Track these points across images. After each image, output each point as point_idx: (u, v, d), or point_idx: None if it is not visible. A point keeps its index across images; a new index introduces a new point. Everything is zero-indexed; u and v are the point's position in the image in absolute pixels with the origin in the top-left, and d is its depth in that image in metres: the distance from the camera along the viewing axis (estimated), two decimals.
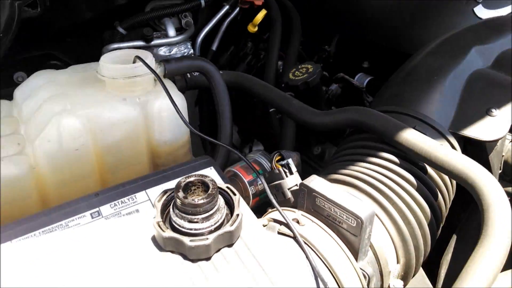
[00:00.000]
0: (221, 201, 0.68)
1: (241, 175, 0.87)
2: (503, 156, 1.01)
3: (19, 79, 1.46)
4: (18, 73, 1.47)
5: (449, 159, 0.77)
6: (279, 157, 0.81)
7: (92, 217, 0.71)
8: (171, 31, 1.76)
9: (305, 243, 0.70)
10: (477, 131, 0.93)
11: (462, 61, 1.02)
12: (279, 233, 0.71)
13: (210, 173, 0.80)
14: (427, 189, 0.85)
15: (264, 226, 0.74)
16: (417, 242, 0.80)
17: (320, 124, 0.96)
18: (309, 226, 0.72)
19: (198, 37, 1.90)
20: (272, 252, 0.67)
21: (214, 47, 1.95)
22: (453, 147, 0.93)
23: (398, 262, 0.79)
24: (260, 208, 0.87)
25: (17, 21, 1.29)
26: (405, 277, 0.82)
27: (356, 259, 0.70)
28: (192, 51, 1.79)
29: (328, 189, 0.71)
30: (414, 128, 0.92)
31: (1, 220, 0.82)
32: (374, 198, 0.80)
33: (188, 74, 1.11)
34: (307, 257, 0.67)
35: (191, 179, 0.66)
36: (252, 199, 0.86)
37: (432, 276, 1.28)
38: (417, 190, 0.83)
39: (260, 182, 0.85)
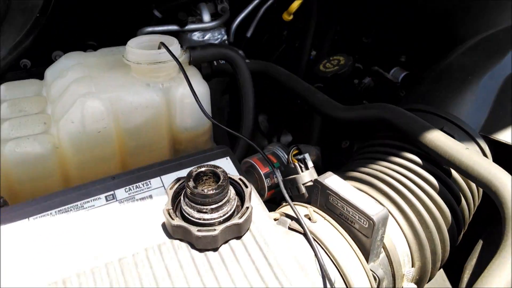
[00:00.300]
0: (231, 192, 0.67)
1: (257, 166, 0.87)
2: None
3: (57, 58, 1.50)
4: (56, 52, 1.51)
5: (473, 164, 0.73)
6: (296, 151, 0.80)
7: (107, 200, 0.72)
8: (206, 16, 1.76)
9: (315, 240, 0.69)
10: (510, 135, 0.88)
11: (499, 61, 0.97)
12: (289, 228, 0.71)
13: (226, 163, 0.80)
14: (450, 193, 0.82)
15: (275, 220, 0.73)
16: (434, 246, 0.77)
17: (343, 119, 0.94)
18: (321, 223, 0.71)
19: (233, 23, 1.89)
20: (280, 247, 0.66)
21: (248, 34, 1.94)
22: (482, 151, 0.89)
23: (413, 266, 0.77)
24: (275, 200, 0.87)
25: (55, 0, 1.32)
26: (420, 281, 0.80)
27: (367, 260, 0.68)
28: (226, 37, 1.79)
29: (342, 187, 0.69)
30: (442, 129, 0.88)
31: (23, 197, 0.85)
32: (392, 198, 0.77)
33: (214, 62, 1.11)
34: (315, 254, 0.66)
35: (203, 169, 0.66)
36: (268, 191, 0.85)
37: (454, 279, 1.25)
38: (439, 193, 0.80)
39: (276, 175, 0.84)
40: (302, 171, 0.77)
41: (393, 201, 0.77)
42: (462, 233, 0.85)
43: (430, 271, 0.79)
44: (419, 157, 0.83)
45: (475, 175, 0.73)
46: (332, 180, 0.71)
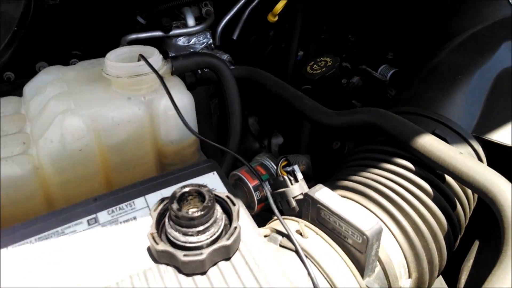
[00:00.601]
0: (218, 212, 0.64)
1: (246, 179, 0.84)
2: None
3: (41, 69, 1.46)
4: (40, 63, 1.47)
5: (468, 170, 0.71)
6: (285, 163, 0.77)
7: (89, 224, 0.69)
8: (191, 21, 1.73)
9: (307, 257, 0.66)
10: (503, 135, 0.86)
11: (490, 58, 0.94)
12: (280, 245, 0.68)
13: (213, 178, 0.77)
14: (445, 199, 0.79)
15: (266, 236, 0.71)
16: (431, 256, 0.75)
17: (331, 125, 0.92)
18: (313, 239, 0.68)
19: (219, 26, 1.86)
20: (271, 266, 0.63)
21: (234, 36, 1.91)
22: (476, 152, 0.87)
23: (409, 277, 0.74)
24: (266, 213, 0.84)
25: (33, 12, 1.29)
26: None
27: (362, 276, 0.66)
28: (211, 41, 1.76)
29: (333, 201, 0.67)
30: (433, 132, 0.86)
31: (5, 221, 0.82)
32: (385, 208, 0.75)
33: (199, 70, 1.08)
34: (308, 273, 0.64)
35: (187, 189, 0.63)
36: (258, 204, 0.82)
37: (451, 280, 1.23)
38: (433, 200, 0.78)
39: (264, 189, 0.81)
40: (291, 184, 0.74)
41: (387, 211, 0.75)
42: (458, 239, 0.83)
43: (428, 281, 0.76)
44: (412, 163, 0.81)
45: (471, 181, 0.71)
46: (322, 194, 0.68)
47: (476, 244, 1.16)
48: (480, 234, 1.15)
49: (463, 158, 0.73)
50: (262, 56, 1.91)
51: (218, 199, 0.68)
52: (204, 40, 1.75)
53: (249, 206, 0.86)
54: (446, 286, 1.14)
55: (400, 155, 0.82)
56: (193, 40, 1.72)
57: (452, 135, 0.87)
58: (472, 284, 1.14)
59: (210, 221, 0.62)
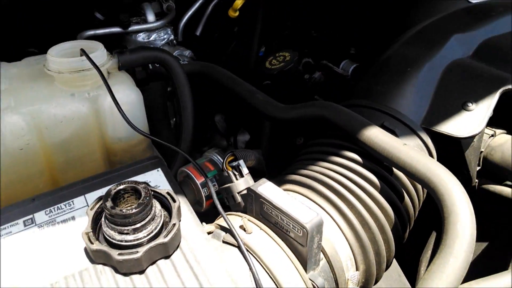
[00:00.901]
0: (157, 209, 0.63)
1: (193, 176, 0.82)
2: (481, 152, 0.95)
3: None
4: None
5: (411, 160, 0.71)
6: (231, 158, 0.76)
7: (25, 225, 0.67)
8: (150, 16, 1.70)
9: (250, 252, 0.65)
10: (451, 126, 0.87)
11: (439, 51, 0.95)
12: (224, 241, 0.67)
13: (157, 175, 0.75)
14: (392, 190, 0.79)
15: (210, 233, 0.69)
16: (378, 248, 0.75)
17: (283, 119, 0.91)
18: (256, 234, 0.67)
19: (181, 22, 1.83)
20: (212, 264, 0.62)
21: (198, 32, 1.89)
22: (425, 144, 0.88)
23: (357, 269, 0.74)
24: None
25: None
26: (366, 283, 0.77)
27: (306, 269, 0.65)
28: (172, 37, 1.74)
29: (275, 195, 0.66)
30: (382, 124, 0.86)
31: None
32: (331, 201, 0.75)
33: (150, 65, 1.06)
34: (250, 268, 0.63)
35: (122, 186, 0.62)
36: (206, 201, 0.81)
37: (411, 273, 1.24)
38: (381, 192, 0.78)
39: (214, 183, 0.80)
40: (236, 179, 0.73)
41: (333, 204, 0.75)
42: (407, 230, 0.83)
43: (376, 272, 0.76)
44: (360, 156, 0.81)
45: (413, 172, 0.71)
46: (265, 188, 0.67)
47: (434, 235, 1.17)
48: (437, 225, 1.16)
49: (407, 149, 0.73)
50: (226, 52, 1.90)
51: (158, 196, 0.66)
52: (165, 36, 1.72)
53: (198, 203, 0.84)
54: (403, 275, 1.15)
55: (348, 148, 0.82)
56: (153, 36, 1.69)
57: (401, 127, 0.87)
58: None
59: (147, 219, 0.61)
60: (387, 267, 0.81)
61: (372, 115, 0.88)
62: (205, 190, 0.80)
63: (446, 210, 0.65)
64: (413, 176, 0.71)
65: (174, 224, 0.62)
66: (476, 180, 0.97)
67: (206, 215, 0.82)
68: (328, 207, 0.75)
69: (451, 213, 0.64)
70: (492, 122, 0.99)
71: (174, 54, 1.67)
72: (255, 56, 1.55)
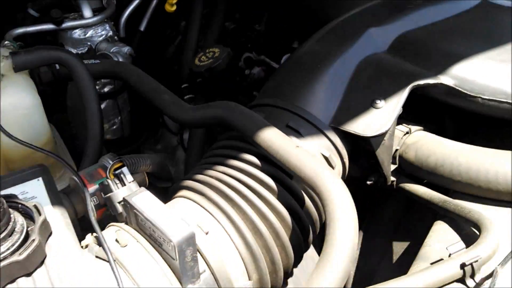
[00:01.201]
0: (18, 223, 0.59)
1: (81, 185, 0.78)
2: (397, 150, 0.92)
3: None
4: None
5: (300, 164, 0.68)
6: (118, 165, 0.72)
7: None
8: (87, 12, 1.64)
9: (121, 267, 0.61)
10: (359, 125, 0.84)
11: (352, 46, 0.91)
12: (96, 256, 0.63)
13: (36, 185, 0.71)
14: (292, 195, 0.76)
15: (86, 247, 0.65)
16: (272, 255, 0.72)
17: (186, 121, 0.87)
18: (132, 247, 0.64)
19: (122, 17, 1.78)
20: (78, 280, 0.58)
21: (142, 28, 1.83)
22: (333, 143, 0.84)
23: (250, 279, 0.71)
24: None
25: None
26: None
27: (181, 283, 0.62)
28: (111, 32, 1.68)
29: (149, 206, 0.62)
30: (287, 125, 0.83)
31: None
32: (221, 208, 0.71)
33: (57, 65, 1.00)
34: (118, 285, 0.59)
35: None
36: (97, 210, 0.77)
37: None
38: (278, 196, 0.74)
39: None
40: (117, 188, 0.69)
41: (223, 210, 0.71)
42: (310, 235, 0.80)
43: (272, 280, 0.73)
44: (259, 159, 0.77)
45: (302, 176, 0.68)
46: (140, 198, 0.63)
47: (360, 234, 1.15)
48: (363, 225, 1.14)
49: (297, 152, 0.69)
50: (172, 47, 1.85)
51: (24, 209, 0.62)
52: (103, 32, 1.67)
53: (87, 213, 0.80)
54: None
55: (248, 150, 0.79)
56: (89, 33, 1.64)
57: (307, 127, 0.84)
58: (361, 274, 1.14)
59: (3, 234, 0.57)
60: (291, 273, 0.79)
61: (278, 115, 0.85)
62: (95, 199, 0.76)
63: (328, 217, 0.62)
64: (303, 180, 0.68)
65: (34, 240, 0.58)
66: (394, 179, 0.94)
67: None
68: (218, 214, 0.71)
69: (333, 219, 0.61)
70: (412, 119, 0.97)
71: (112, 50, 1.62)
72: (192, 52, 1.51)
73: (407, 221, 1.07)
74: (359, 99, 0.86)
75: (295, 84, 0.89)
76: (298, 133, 0.82)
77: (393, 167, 0.94)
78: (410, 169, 0.91)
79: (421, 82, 0.85)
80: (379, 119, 0.83)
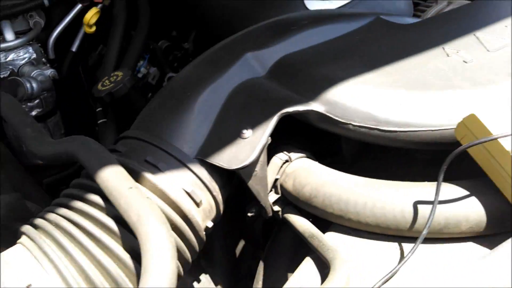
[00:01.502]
0: None
1: None
2: (277, 179, 0.87)
3: None
4: None
5: (127, 208, 0.63)
6: None
7: None
8: (8, 35, 1.61)
9: None
10: (225, 157, 0.79)
11: (225, 72, 0.87)
12: None
13: None
14: None
15: None
16: None
17: (43, 156, 0.82)
18: None
19: (50, 38, 1.74)
20: None
21: (74, 48, 1.80)
22: (198, 177, 0.80)
23: None
24: None
25: None
26: None
27: None
28: (34, 55, 1.64)
29: None
30: (145, 159, 0.78)
31: None
32: (49, 257, 0.66)
33: None
34: None
35: None
36: None
37: None
38: (121, 240, 0.69)
39: None
40: None
41: (51, 260, 0.66)
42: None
43: None
44: (104, 199, 0.72)
45: (128, 221, 0.63)
46: None
47: (261, 265, 1.09)
48: (263, 255, 1.08)
49: (128, 194, 0.64)
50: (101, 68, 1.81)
51: None
52: (26, 56, 1.63)
53: None
54: None
55: (95, 189, 0.73)
56: (11, 56, 1.60)
57: (169, 161, 0.78)
58: None
59: None
60: None
61: (140, 149, 0.80)
62: None
63: (142, 269, 0.57)
64: (129, 225, 0.63)
65: None
66: (279, 208, 0.90)
67: None
68: (47, 263, 0.66)
69: (144, 272, 0.56)
70: (304, 142, 0.92)
71: (32, 74, 1.58)
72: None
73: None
74: (228, 129, 0.81)
75: (163, 113, 0.84)
76: (156, 168, 0.77)
77: (277, 197, 0.89)
78: (291, 199, 0.87)
79: (290, 109, 0.80)
80: (244, 150, 0.78)
